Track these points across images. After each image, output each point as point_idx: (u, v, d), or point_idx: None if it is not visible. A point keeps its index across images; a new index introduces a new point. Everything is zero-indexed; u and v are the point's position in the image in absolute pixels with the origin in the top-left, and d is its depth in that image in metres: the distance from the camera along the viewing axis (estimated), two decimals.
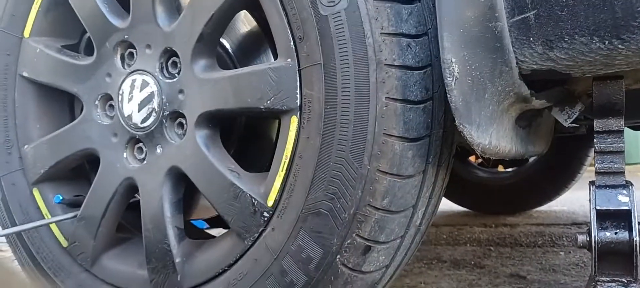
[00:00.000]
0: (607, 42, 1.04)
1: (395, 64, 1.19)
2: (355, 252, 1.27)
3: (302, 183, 1.29)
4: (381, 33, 1.19)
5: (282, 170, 1.32)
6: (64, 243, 1.64)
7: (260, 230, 1.35)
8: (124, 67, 1.54)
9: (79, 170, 1.75)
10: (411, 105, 1.21)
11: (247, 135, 1.59)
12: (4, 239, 2.05)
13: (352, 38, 1.21)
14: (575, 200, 4.45)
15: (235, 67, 1.55)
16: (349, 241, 1.26)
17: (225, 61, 1.55)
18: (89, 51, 1.67)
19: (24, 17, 1.69)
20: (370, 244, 1.28)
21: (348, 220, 1.25)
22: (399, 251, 1.37)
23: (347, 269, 1.29)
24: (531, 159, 3.65)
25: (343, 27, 1.21)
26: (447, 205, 4.07)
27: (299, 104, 1.28)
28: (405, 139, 1.21)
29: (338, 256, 1.27)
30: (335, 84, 1.23)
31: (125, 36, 1.52)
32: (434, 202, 1.39)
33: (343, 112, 1.23)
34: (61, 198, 1.65)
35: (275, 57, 1.33)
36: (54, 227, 1.65)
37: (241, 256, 1.38)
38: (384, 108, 1.19)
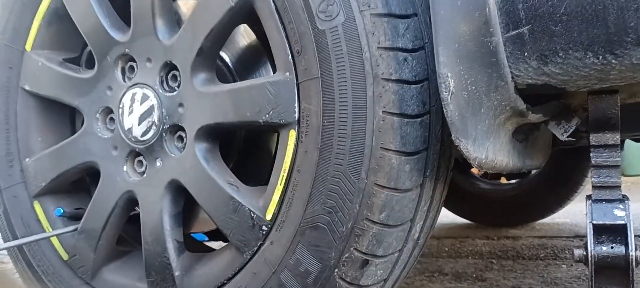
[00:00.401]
0: (601, 57, 1.04)
1: (392, 78, 1.20)
2: (353, 266, 1.28)
3: (300, 197, 1.29)
4: (378, 47, 1.20)
5: (280, 184, 1.32)
6: (65, 256, 1.65)
7: (258, 244, 1.35)
8: (124, 81, 1.55)
9: (80, 183, 1.76)
10: (408, 119, 1.21)
11: (246, 149, 1.60)
12: (5, 251, 2.06)
13: (349, 52, 1.22)
14: (578, 212, 4.43)
15: (235, 81, 1.56)
16: (346, 255, 1.26)
17: (225, 74, 1.56)
18: (90, 65, 1.68)
19: (26, 30, 1.70)
20: (368, 258, 1.28)
21: (346, 234, 1.25)
22: (397, 265, 1.37)
23: (345, 283, 1.29)
24: (533, 171, 3.64)
25: (340, 42, 1.22)
26: (449, 217, 4.06)
27: (297, 118, 1.29)
28: (403, 152, 1.22)
29: (336, 270, 1.28)
30: (332, 98, 1.24)
31: (126, 50, 1.53)
32: (432, 216, 1.39)
33: (340, 126, 1.23)
34: (62, 211, 1.66)
35: (275, 71, 1.34)
36: (54, 240, 1.66)
37: (240, 269, 1.38)
38: (381, 122, 1.20)
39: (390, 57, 1.20)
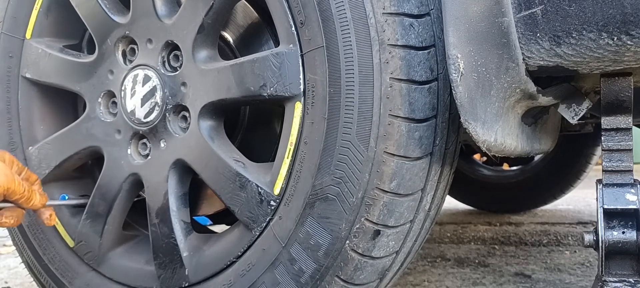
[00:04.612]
0: (615, 38, 1.03)
1: (399, 43, 1.18)
2: (365, 237, 1.26)
3: (308, 169, 1.28)
4: (383, 13, 1.18)
5: (287, 157, 1.31)
6: (71, 243, 1.63)
7: (267, 219, 1.34)
8: (125, 63, 1.54)
9: (84, 169, 1.75)
10: (416, 86, 1.20)
11: (251, 126, 1.59)
12: (7, 235, 2.05)
13: (354, 19, 1.20)
14: (581, 199, 4.44)
15: None
16: (357, 226, 1.25)
17: (227, 54, 1.55)
18: (91, 50, 1.67)
19: (26, 19, 1.69)
20: (379, 228, 1.26)
21: (356, 204, 1.24)
22: (409, 236, 1.36)
23: (357, 255, 1.28)
24: (536, 157, 3.64)
25: (344, 9, 1.21)
26: (451, 203, 4.06)
27: (302, 89, 1.28)
28: (412, 119, 1.20)
29: (347, 241, 1.26)
30: (338, 66, 1.23)
31: (126, 32, 1.52)
32: (442, 187, 1.38)
33: (347, 95, 1.22)
34: (67, 198, 1.64)
35: (277, 46, 1.33)
36: (60, 227, 1.64)
37: (249, 246, 1.37)
38: (389, 88, 1.19)
39: (396, 22, 1.19)
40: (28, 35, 1.69)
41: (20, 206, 1.34)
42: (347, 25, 1.21)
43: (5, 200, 1.31)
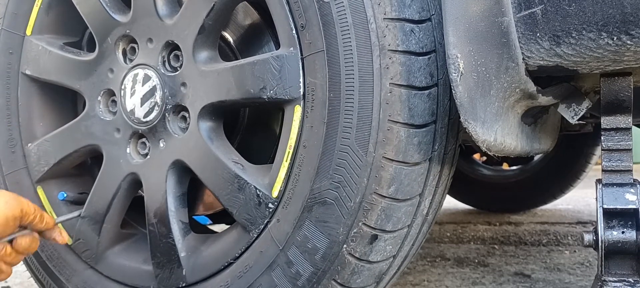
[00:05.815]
0: (615, 38, 1.03)
1: (399, 49, 1.18)
2: (362, 242, 1.26)
3: (306, 173, 1.28)
4: (384, 18, 1.18)
5: (286, 160, 1.31)
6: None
7: (265, 222, 1.34)
8: (125, 62, 1.54)
9: (83, 167, 1.75)
10: (416, 91, 1.20)
11: (250, 128, 1.59)
12: None
13: (354, 24, 1.20)
14: (581, 198, 4.44)
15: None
16: (355, 230, 1.25)
17: (228, 55, 1.55)
18: (91, 48, 1.66)
19: (26, 15, 1.68)
20: (377, 233, 1.26)
21: (354, 208, 1.24)
22: (406, 241, 1.36)
23: (354, 259, 1.28)
24: (536, 157, 3.64)
25: (345, 13, 1.21)
26: (451, 202, 4.06)
27: (302, 93, 1.28)
28: (411, 125, 1.20)
29: (344, 246, 1.26)
30: (338, 71, 1.22)
31: (127, 31, 1.51)
32: (440, 191, 1.38)
33: (347, 100, 1.22)
34: (65, 195, 1.64)
35: (278, 48, 1.33)
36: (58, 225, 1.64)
37: (247, 248, 1.37)
38: (389, 94, 1.18)
39: (397, 28, 1.18)
40: (28, 31, 1.68)
41: (34, 229, 1.34)
42: (348, 29, 1.21)
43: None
